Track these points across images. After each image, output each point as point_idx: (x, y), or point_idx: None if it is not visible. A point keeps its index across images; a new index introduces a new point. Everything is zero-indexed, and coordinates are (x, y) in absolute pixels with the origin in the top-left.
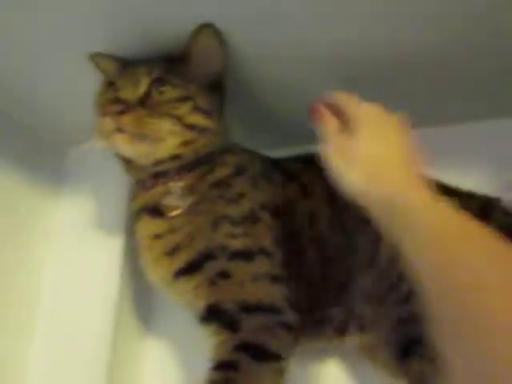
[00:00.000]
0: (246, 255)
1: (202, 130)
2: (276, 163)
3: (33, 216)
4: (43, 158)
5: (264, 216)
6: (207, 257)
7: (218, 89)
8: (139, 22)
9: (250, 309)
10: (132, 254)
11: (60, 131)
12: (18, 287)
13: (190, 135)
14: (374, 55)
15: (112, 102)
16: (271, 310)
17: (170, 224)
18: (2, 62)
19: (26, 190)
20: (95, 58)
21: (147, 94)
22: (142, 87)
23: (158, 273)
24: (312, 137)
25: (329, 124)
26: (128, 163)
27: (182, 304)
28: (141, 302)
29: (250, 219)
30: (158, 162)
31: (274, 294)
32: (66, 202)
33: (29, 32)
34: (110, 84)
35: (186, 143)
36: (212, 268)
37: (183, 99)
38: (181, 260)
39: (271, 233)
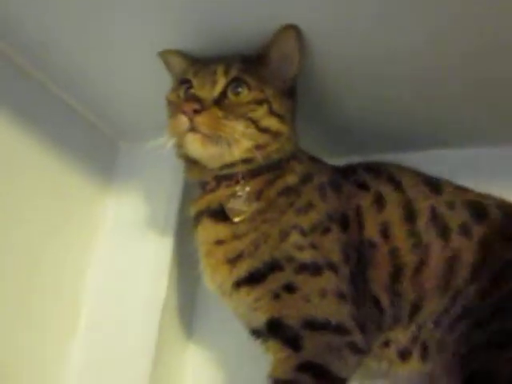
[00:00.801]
0: (313, 268)
1: (276, 135)
2: (345, 172)
3: (82, 209)
4: (98, 150)
5: (333, 227)
6: (272, 267)
7: (292, 94)
8: (209, 22)
9: (315, 326)
10: (181, 253)
11: (117, 126)
12: (63, 283)
13: (263, 139)
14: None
15: (187, 100)
16: (338, 329)
17: (233, 230)
18: (72, 58)
19: (77, 183)
20: (165, 55)
21: (223, 94)
22: (219, 87)
23: (216, 281)
24: (376, 145)
25: None
26: (193, 164)
27: (238, 315)
28: (186, 303)
29: (319, 230)
30: (227, 165)
31: (342, 312)
32: (116, 197)
33: (101, 31)
34: (183, 81)
35: (258, 147)
36: (277, 280)
37: (259, 102)
38: (242, 269)
39: (339, 246)
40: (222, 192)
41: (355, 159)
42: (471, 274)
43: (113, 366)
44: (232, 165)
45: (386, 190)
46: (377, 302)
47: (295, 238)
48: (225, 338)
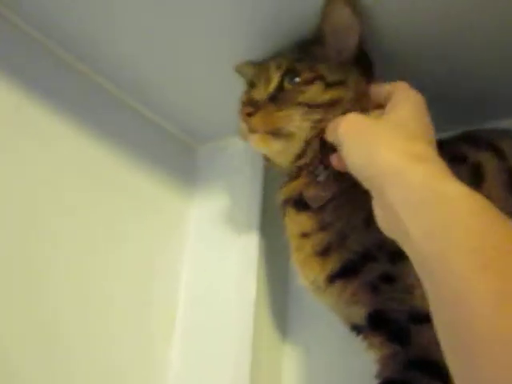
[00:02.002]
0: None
1: (333, 104)
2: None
3: (167, 215)
4: (175, 156)
5: None
6: (365, 257)
7: (358, 60)
8: (280, 24)
9: (421, 319)
10: (267, 250)
11: (191, 129)
12: (154, 288)
13: (320, 114)
14: None
15: (243, 105)
16: None
17: (317, 220)
18: (143, 63)
19: (159, 189)
20: (239, 67)
21: (279, 89)
22: (274, 83)
23: (308, 277)
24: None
25: None
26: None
27: (335, 311)
28: (278, 300)
29: None
30: (298, 156)
31: None
32: (199, 200)
33: (173, 38)
34: (251, 85)
35: (318, 122)
36: (373, 270)
37: (311, 81)
38: (334, 261)
39: None
40: (302, 179)
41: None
42: None
43: (211, 369)
44: (302, 153)
45: (486, 159)
46: None
47: None
48: (320, 333)
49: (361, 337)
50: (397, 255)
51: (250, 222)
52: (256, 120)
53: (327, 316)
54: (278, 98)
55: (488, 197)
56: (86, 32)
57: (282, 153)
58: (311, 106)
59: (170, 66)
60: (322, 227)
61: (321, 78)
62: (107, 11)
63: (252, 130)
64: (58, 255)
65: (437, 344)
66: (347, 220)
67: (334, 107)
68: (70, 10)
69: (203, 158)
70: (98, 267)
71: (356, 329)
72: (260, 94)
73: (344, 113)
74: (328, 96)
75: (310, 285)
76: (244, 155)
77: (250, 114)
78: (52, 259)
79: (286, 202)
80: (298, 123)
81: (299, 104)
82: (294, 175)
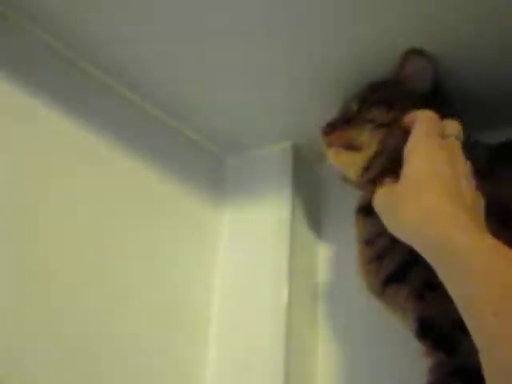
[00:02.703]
0: None
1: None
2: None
3: (198, 225)
4: (205, 166)
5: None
6: (411, 262)
7: (428, 100)
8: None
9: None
10: (297, 258)
11: (218, 140)
12: (190, 295)
13: (385, 131)
14: None
15: (332, 122)
16: None
17: (378, 226)
18: (172, 75)
19: (191, 199)
20: None
21: (355, 113)
22: (352, 111)
23: (367, 281)
24: None
25: None
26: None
27: (395, 318)
28: (308, 305)
29: None
30: (365, 170)
31: None
32: (230, 210)
33: (204, 49)
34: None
35: (384, 138)
36: (418, 276)
37: (378, 104)
38: (388, 266)
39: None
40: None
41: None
42: None
43: (247, 370)
44: (369, 166)
45: None
46: None
47: None
48: (351, 331)
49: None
50: None
51: (279, 231)
52: (332, 136)
53: (360, 320)
54: (352, 119)
55: None
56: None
57: (352, 165)
58: (377, 124)
59: (199, 77)
60: (381, 233)
61: (388, 102)
62: (146, 22)
63: (328, 145)
64: (99, 268)
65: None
66: None
67: (397, 127)
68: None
69: (233, 167)
70: (136, 277)
71: (415, 334)
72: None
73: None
74: (391, 116)
75: (369, 289)
76: (272, 165)
77: (327, 133)
78: (90, 272)
79: (358, 210)
80: (366, 138)
81: (368, 121)
82: (365, 188)
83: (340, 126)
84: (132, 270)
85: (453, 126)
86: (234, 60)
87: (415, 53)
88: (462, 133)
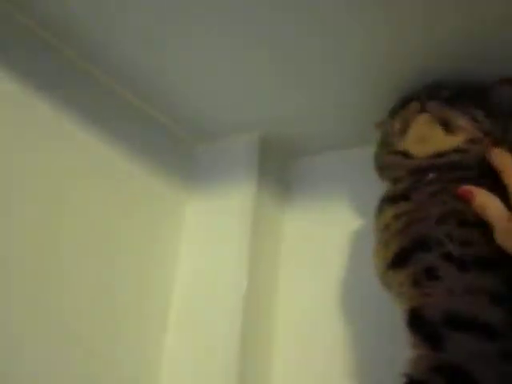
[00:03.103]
0: (460, 263)
1: None
2: None
3: (166, 208)
4: (173, 153)
5: None
6: (419, 246)
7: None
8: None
9: (458, 325)
10: (258, 246)
11: (190, 128)
12: (152, 275)
13: None
14: None
15: None
16: (487, 331)
17: (396, 211)
18: (145, 61)
19: (160, 183)
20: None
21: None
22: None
23: (376, 265)
24: None
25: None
26: None
27: (395, 302)
28: (267, 294)
29: (482, 225)
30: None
31: (493, 314)
32: (197, 196)
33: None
34: None
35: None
36: (420, 260)
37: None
38: (393, 249)
39: None
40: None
41: None
42: None
43: (203, 352)
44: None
45: None
46: None
47: (452, 225)
48: (309, 326)
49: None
50: (450, 258)
51: (243, 220)
52: (433, 108)
53: (313, 310)
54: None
55: None
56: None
57: (434, 143)
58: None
59: (172, 65)
60: (398, 215)
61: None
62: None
63: (422, 111)
64: (65, 245)
65: (471, 354)
66: (423, 210)
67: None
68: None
69: (202, 155)
70: (98, 260)
71: (405, 323)
72: None
73: None
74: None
75: (377, 273)
76: (240, 155)
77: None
78: (60, 251)
79: (384, 199)
80: (464, 124)
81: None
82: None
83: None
84: (94, 253)
85: None
86: (209, 49)
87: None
88: None
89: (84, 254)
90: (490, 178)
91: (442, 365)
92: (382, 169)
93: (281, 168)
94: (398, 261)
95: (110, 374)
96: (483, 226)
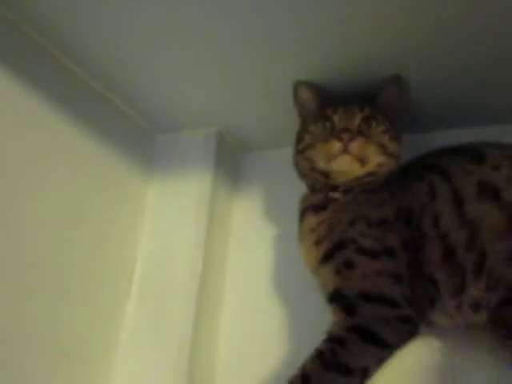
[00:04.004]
0: (371, 253)
1: (395, 157)
2: (416, 165)
3: (128, 191)
4: (136, 142)
5: (398, 224)
6: (338, 247)
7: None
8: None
9: (369, 298)
10: (213, 230)
11: (152, 118)
12: (115, 250)
13: (386, 160)
14: None
15: (343, 131)
16: (390, 303)
17: (319, 218)
18: (112, 52)
19: (123, 169)
20: (298, 86)
21: (359, 127)
22: (356, 121)
23: (309, 261)
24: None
25: None
26: (320, 175)
27: (320, 287)
28: (219, 266)
29: (384, 225)
30: (353, 180)
31: (395, 289)
32: (157, 180)
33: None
34: (322, 118)
35: (381, 165)
36: (340, 257)
37: (384, 132)
38: (323, 249)
39: (400, 238)
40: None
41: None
42: None
43: (161, 321)
44: (356, 179)
45: (436, 181)
46: (432, 280)
47: (361, 227)
48: (253, 300)
49: (329, 307)
50: (363, 250)
51: (200, 205)
52: (354, 145)
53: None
54: (361, 134)
55: (438, 213)
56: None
57: (348, 173)
58: (387, 153)
59: (137, 58)
60: (320, 223)
61: (388, 131)
62: None
63: (346, 152)
64: (36, 217)
65: (376, 318)
66: (338, 219)
67: (394, 160)
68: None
69: (162, 145)
70: (66, 231)
71: (329, 299)
72: (350, 126)
73: (394, 167)
74: (395, 147)
75: (310, 267)
76: (198, 146)
77: (351, 139)
78: (31, 221)
79: (308, 207)
80: (373, 158)
81: (379, 145)
82: (318, 189)
83: (358, 137)
84: (59, 225)
85: None
86: (174, 41)
87: (394, 82)
88: None
89: (61, 227)
90: (388, 188)
91: (355, 325)
92: (303, 175)
93: (233, 160)
94: (325, 258)
95: (71, 332)
96: (383, 225)
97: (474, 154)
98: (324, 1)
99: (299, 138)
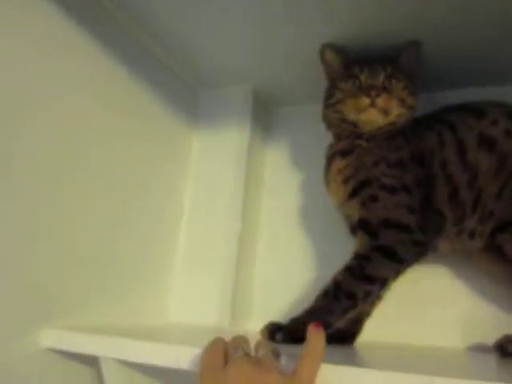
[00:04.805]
0: (391, 189)
1: (412, 109)
2: (430, 117)
3: (175, 143)
4: (183, 97)
5: (413, 165)
6: (364, 184)
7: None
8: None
9: (389, 225)
10: (251, 173)
11: (197, 75)
12: (166, 201)
13: (405, 112)
14: None
15: (370, 87)
16: (405, 228)
17: (347, 162)
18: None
19: (170, 121)
20: (324, 49)
21: (383, 83)
22: (380, 79)
23: (338, 196)
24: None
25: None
26: (348, 124)
27: (346, 217)
28: (255, 208)
29: (400, 166)
30: (377, 129)
31: (410, 218)
32: (200, 134)
33: None
34: (350, 76)
35: (400, 116)
36: (366, 193)
37: (404, 88)
38: (350, 186)
39: (415, 177)
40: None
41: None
42: None
43: (208, 253)
44: (380, 128)
45: (445, 132)
46: (441, 213)
47: (383, 167)
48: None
49: (354, 235)
50: (385, 187)
51: (239, 154)
52: (380, 100)
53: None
54: (386, 90)
55: (445, 158)
56: None
57: (374, 123)
58: (406, 106)
59: (183, 19)
60: (347, 165)
61: (409, 87)
62: None
63: (374, 106)
64: (100, 163)
65: (395, 240)
66: (362, 161)
67: (411, 112)
68: None
69: (206, 100)
70: (123, 186)
71: (353, 229)
72: (376, 83)
73: (411, 118)
74: (412, 101)
75: (338, 201)
76: (237, 101)
77: (377, 95)
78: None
79: (335, 152)
80: (395, 110)
81: (400, 99)
82: (346, 137)
83: (383, 92)
84: (119, 181)
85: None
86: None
87: (413, 47)
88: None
89: (113, 182)
90: (404, 136)
91: (378, 246)
92: (331, 125)
93: (267, 114)
94: (352, 194)
95: (135, 259)
96: (400, 166)
97: (477, 111)
98: None
99: (329, 94)
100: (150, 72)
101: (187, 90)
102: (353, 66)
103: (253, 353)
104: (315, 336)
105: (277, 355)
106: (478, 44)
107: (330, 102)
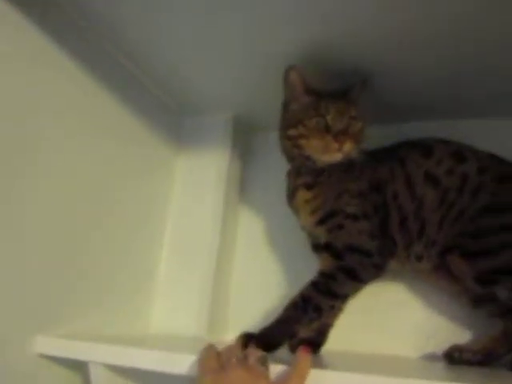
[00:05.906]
0: (354, 217)
1: (362, 142)
2: (385, 150)
3: (160, 165)
4: (167, 123)
5: (371, 194)
6: (331, 215)
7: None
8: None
9: (353, 249)
10: (229, 194)
11: (180, 102)
12: (147, 219)
13: (358, 146)
14: None
15: (339, 133)
16: (367, 253)
17: (312, 194)
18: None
19: (154, 146)
20: (290, 71)
21: (347, 126)
22: (345, 122)
23: (306, 222)
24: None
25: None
26: (306, 159)
27: (312, 238)
28: (231, 232)
29: (360, 195)
30: (335, 163)
31: (371, 245)
32: (184, 158)
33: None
34: (317, 115)
35: (355, 151)
36: (333, 222)
37: (361, 129)
38: (318, 216)
39: (373, 205)
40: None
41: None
42: (456, 195)
43: (188, 266)
44: (336, 163)
45: (396, 167)
46: (393, 238)
47: (346, 198)
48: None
49: (317, 254)
50: (349, 216)
51: (219, 177)
52: (346, 146)
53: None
54: (348, 132)
55: (396, 190)
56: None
57: (333, 161)
58: (360, 142)
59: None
60: (315, 197)
61: (362, 123)
62: None
63: (341, 151)
64: (89, 179)
65: (358, 263)
66: (328, 194)
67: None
68: None
69: (188, 126)
70: (111, 201)
71: (316, 248)
72: (338, 127)
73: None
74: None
75: (306, 226)
76: (218, 128)
77: (343, 142)
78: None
79: (299, 185)
80: (354, 148)
81: (357, 140)
82: (305, 172)
83: (348, 138)
84: (105, 203)
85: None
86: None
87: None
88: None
89: (101, 197)
90: (359, 167)
91: (342, 267)
92: (290, 158)
93: (246, 139)
94: (320, 222)
95: (122, 271)
96: (361, 195)
97: (426, 148)
98: None
99: (290, 124)
100: (137, 100)
101: (171, 117)
102: (315, 98)
103: (243, 360)
104: (304, 358)
105: (265, 362)
106: (426, 82)
107: (291, 133)
